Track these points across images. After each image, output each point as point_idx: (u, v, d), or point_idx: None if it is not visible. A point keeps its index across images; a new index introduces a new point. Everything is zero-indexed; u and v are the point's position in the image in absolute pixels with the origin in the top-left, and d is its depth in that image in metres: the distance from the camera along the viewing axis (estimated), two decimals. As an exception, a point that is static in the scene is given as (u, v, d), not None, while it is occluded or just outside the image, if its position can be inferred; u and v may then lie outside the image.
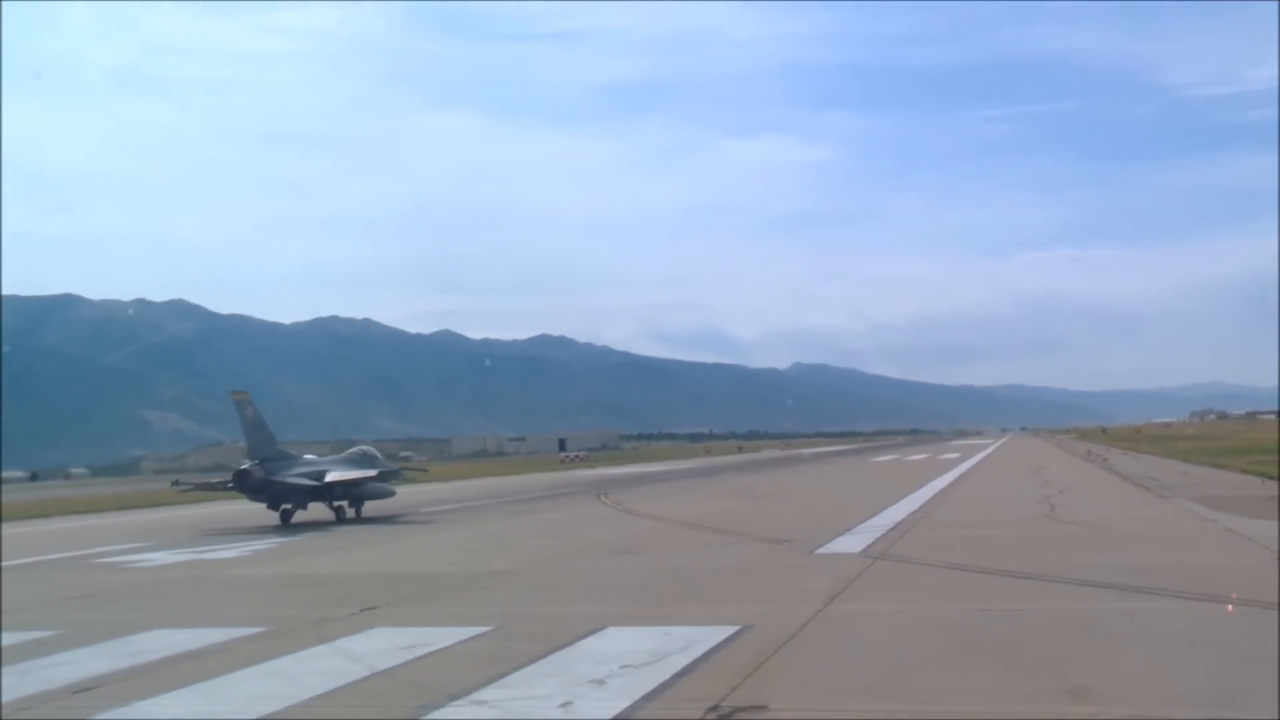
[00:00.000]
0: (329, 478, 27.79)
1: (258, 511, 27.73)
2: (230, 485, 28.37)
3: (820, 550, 16.16)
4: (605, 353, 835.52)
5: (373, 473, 29.29)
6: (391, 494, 30.69)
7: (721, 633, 9.64)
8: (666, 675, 8.13)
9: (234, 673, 9.02)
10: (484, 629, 10.47)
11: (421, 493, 43.30)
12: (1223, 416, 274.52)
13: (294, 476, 27.51)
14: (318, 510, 27.42)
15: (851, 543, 16.94)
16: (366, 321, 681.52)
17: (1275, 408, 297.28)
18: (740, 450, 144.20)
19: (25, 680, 9.09)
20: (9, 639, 11.25)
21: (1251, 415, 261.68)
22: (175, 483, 35.02)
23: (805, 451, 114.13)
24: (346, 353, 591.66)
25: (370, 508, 28.86)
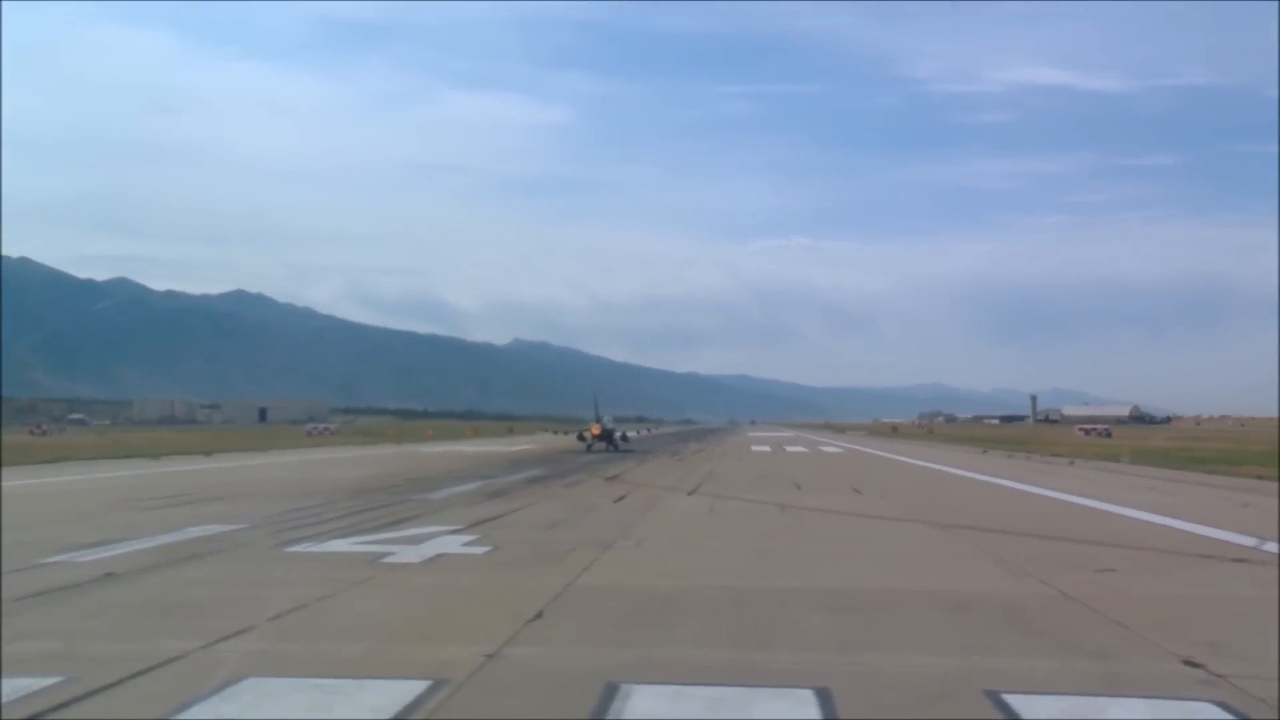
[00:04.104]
0: (618, 433, 57.69)
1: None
2: (587, 436, 55.23)
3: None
4: (308, 315, 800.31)
5: (634, 429, 75.93)
6: (629, 441, 61.05)
7: None
8: None
9: None
10: None
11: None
12: (951, 420, 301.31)
13: (611, 426, 56.03)
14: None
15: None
16: (23, 261, 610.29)
17: (996, 413, 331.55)
18: (511, 431, 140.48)
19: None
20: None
21: (977, 419, 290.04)
22: (555, 432, 69.02)
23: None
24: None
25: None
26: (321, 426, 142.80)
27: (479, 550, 15.02)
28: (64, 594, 11.19)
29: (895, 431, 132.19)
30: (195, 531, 17.02)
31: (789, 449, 62.20)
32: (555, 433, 77.35)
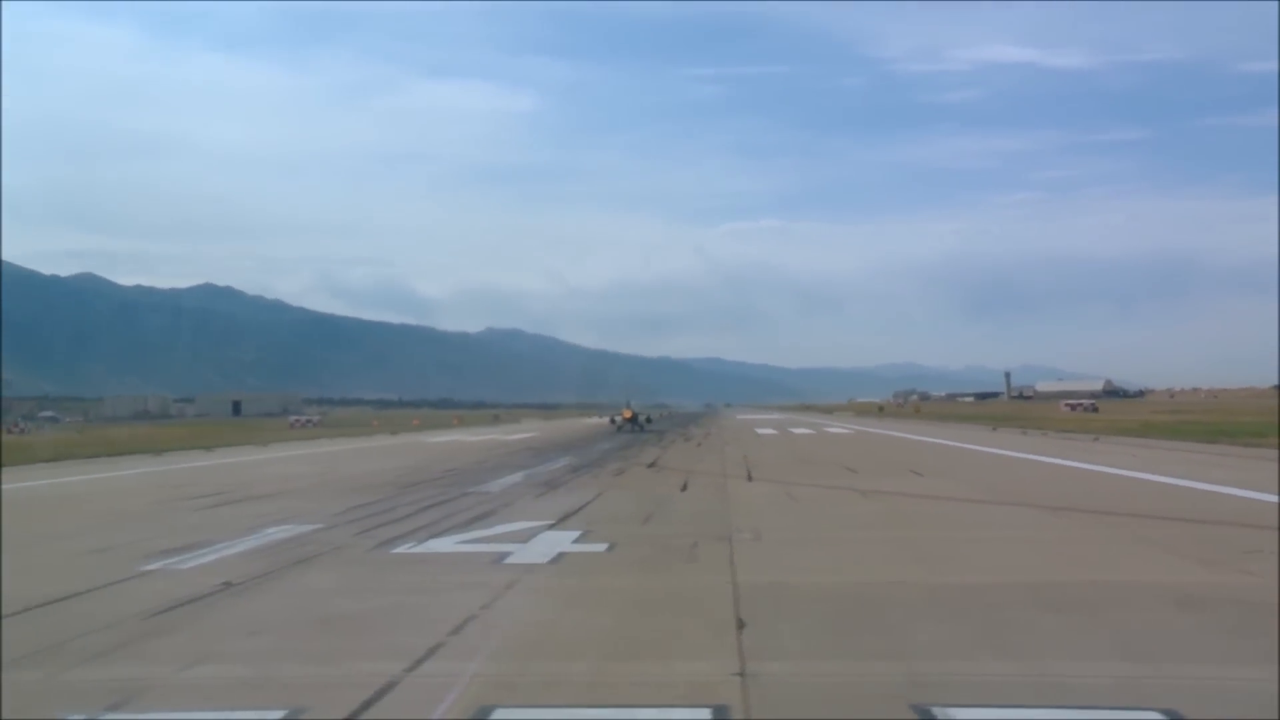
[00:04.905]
0: (642, 417, 67.30)
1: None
2: (619, 419, 64.15)
3: None
4: (278, 307, 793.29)
5: (655, 412, 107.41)
6: (652, 423, 69.80)
7: None
8: None
9: None
10: None
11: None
12: (925, 398, 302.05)
13: (639, 411, 66.49)
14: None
15: None
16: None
17: (969, 390, 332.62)
18: (498, 419, 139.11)
19: None
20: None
21: (951, 397, 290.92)
22: (612, 419, 68.35)
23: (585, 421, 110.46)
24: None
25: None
26: (304, 419, 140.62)
27: (597, 548, 13.96)
28: (198, 608, 10.02)
29: (881, 411, 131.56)
30: (276, 533, 15.84)
31: (795, 431, 61.33)
32: (588, 416, 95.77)
